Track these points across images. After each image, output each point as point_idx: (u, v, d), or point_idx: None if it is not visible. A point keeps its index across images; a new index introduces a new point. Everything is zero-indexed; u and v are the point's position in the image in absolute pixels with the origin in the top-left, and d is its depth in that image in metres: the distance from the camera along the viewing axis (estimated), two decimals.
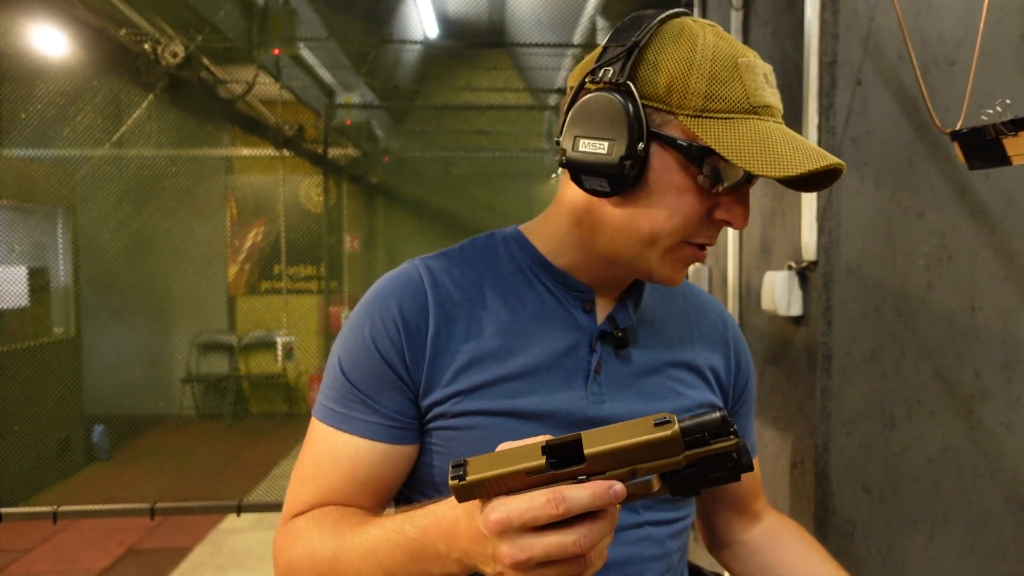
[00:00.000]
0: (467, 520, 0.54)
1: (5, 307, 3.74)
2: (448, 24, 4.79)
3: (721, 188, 0.68)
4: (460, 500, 0.52)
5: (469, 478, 0.50)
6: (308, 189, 6.30)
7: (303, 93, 5.46)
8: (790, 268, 1.51)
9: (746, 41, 1.93)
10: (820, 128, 1.40)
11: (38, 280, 4.09)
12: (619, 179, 0.67)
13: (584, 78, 0.70)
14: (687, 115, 0.66)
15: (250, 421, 5.73)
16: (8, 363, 3.74)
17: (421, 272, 0.77)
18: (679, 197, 0.68)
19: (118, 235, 4.37)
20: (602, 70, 0.67)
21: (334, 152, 6.06)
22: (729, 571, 0.94)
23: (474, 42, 4.88)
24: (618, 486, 0.50)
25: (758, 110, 0.67)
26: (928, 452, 1.42)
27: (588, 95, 0.68)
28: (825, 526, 1.44)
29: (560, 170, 0.75)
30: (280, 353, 4.35)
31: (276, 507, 2.26)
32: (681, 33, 0.67)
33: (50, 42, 3.30)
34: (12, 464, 3.44)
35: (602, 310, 0.79)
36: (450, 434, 0.73)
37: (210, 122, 4.98)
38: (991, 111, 1.12)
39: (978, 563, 1.42)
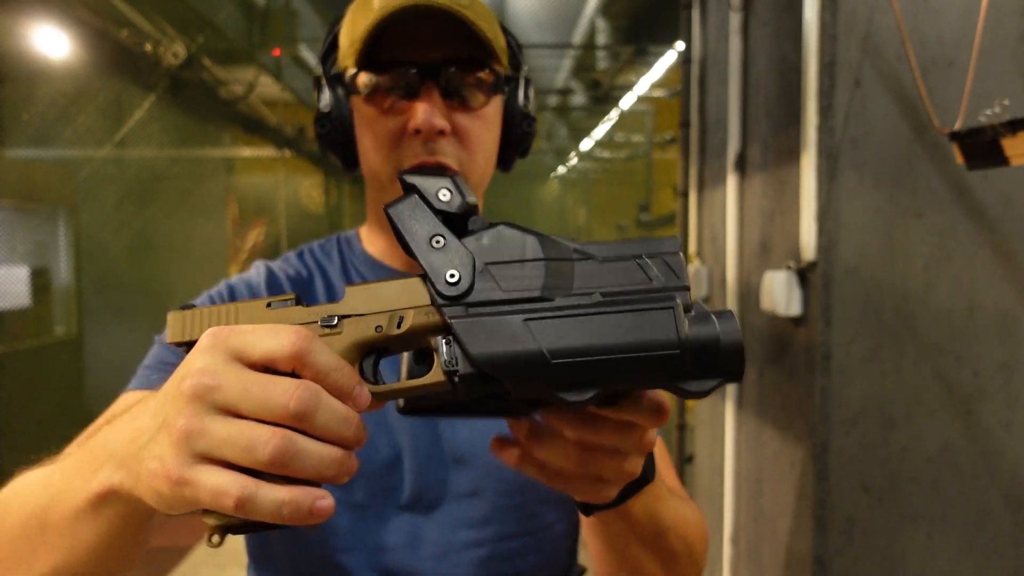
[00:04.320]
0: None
1: (7, 307, 3.75)
2: None
3: (391, 96, 0.68)
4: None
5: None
6: (309, 189, 6.31)
7: (304, 93, 5.46)
8: (789, 268, 1.52)
9: (746, 41, 1.93)
10: (819, 128, 1.41)
11: (40, 280, 4.09)
12: (331, 143, 0.72)
13: None
14: (349, 58, 0.69)
15: None
16: (10, 363, 3.74)
17: (260, 270, 0.77)
18: (371, 129, 0.70)
19: (120, 235, 4.38)
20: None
21: None
22: None
23: None
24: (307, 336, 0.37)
25: (387, 11, 0.66)
26: (927, 452, 1.42)
27: None
28: (824, 525, 1.45)
29: None
30: None
31: None
32: None
33: (52, 43, 3.31)
34: (14, 464, 3.45)
35: None
36: None
37: (211, 123, 4.99)
38: (990, 112, 1.13)
39: (976, 562, 1.43)
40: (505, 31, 0.77)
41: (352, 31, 0.69)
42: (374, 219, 0.77)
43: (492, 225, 0.41)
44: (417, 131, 0.66)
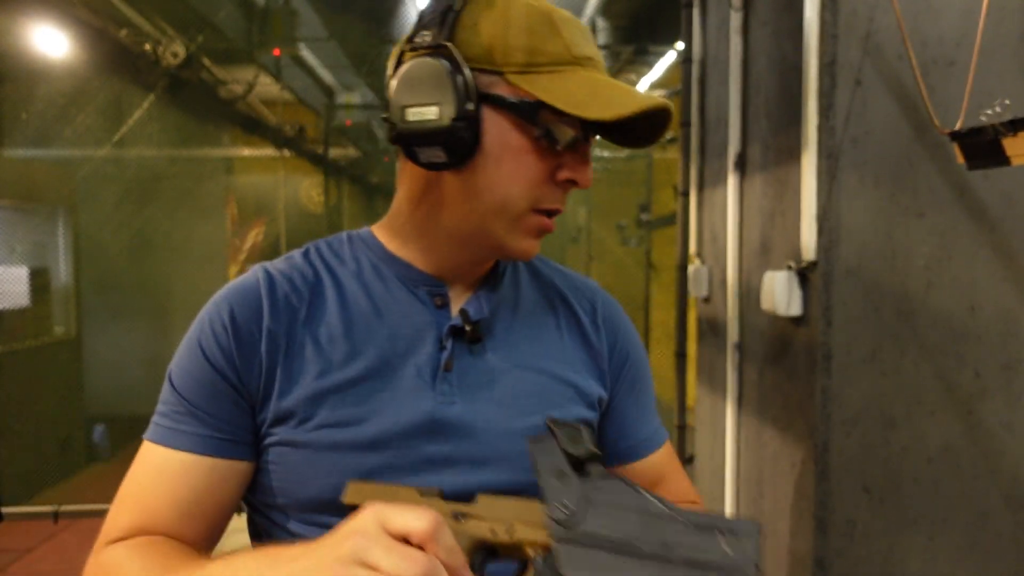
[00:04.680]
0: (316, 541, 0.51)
1: (6, 307, 3.74)
2: None
3: (560, 144, 0.65)
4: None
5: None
6: (309, 189, 6.30)
7: (303, 93, 5.46)
8: (790, 268, 1.51)
9: (746, 41, 1.93)
10: (820, 128, 1.41)
11: (39, 280, 4.09)
12: (454, 144, 0.63)
13: (403, 48, 0.67)
14: (513, 72, 0.64)
15: None
16: (9, 363, 3.74)
17: (260, 277, 0.71)
18: (519, 159, 0.65)
19: (119, 235, 4.37)
20: (419, 35, 0.65)
21: (335, 152, 6.06)
22: None
23: None
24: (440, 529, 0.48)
25: (581, 61, 0.65)
26: (928, 452, 1.42)
27: (409, 63, 0.64)
28: (825, 526, 1.44)
29: (398, 156, 0.71)
30: None
31: None
32: None
33: (51, 43, 3.31)
34: (13, 464, 3.45)
35: (457, 303, 0.74)
36: (286, 450, 0.68)
37: (211, 122, 4.98)
38: (990, 111, 1.13)
39: (977, 563, 1.42)
40: None
41: (535, 48, 0.64)
42: (411, 226, 0.73)
43: (609, 476, 0.50)
44: (572, 183, 0.68)
